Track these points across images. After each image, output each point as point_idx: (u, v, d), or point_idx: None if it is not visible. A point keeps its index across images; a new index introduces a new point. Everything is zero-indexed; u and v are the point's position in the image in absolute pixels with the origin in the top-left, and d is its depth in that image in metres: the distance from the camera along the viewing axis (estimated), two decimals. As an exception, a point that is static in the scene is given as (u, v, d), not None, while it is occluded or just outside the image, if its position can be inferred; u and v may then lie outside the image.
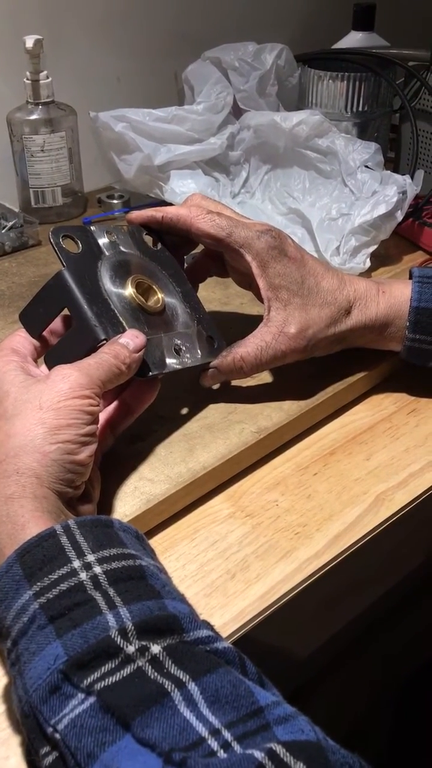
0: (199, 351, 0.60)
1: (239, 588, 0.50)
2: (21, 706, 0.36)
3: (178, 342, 0.58)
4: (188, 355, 0.59)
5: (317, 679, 0.65)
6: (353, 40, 1.04)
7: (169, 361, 0.57)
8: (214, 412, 0.62)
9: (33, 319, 0.54)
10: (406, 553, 0.61)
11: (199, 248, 0.66)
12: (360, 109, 0.94)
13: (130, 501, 0.53)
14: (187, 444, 0.58)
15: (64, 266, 0.53)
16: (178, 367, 0.57)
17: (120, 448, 0.57)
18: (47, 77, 0.90)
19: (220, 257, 0.64)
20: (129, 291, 0.56)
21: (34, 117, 0.91)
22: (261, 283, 0.60)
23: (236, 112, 0.94)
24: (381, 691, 0.80)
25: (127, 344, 0.51)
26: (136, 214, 0.62)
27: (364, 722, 0.78)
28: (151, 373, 0.54)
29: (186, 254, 0.67)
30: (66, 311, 0.54)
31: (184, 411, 0.62)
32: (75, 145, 0.95)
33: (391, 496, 0.57)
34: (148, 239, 0.63)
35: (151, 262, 0.61)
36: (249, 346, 0.60)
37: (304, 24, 1.20)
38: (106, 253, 0.57)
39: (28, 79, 0.90)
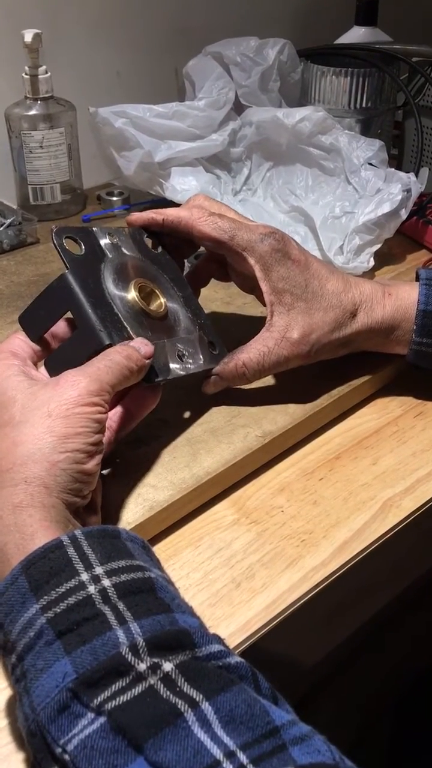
0: (201, 357, 0.59)
1: (245, 597, 0.49)
2: (27, 724, 0.35)
3: (181, 347, 0.58)
4: (191, 361, 0.58)
5: (321, 687, 0.65)
6: (356, 35, 1.03)
7: (172, 366, 0.56)
8: (217, 416, 0.61)
9: (33, 322, 0.53)
10: (413, 559, 0.61)
11: (201, 250, 0.65)
12: (363, 105, 0.93)
13: (134, 508, 0.52)
14: (191, 449, 0.57)
15: (67, 268, 0.52)
16: (182, 373, 0.57)
17: (123, 454, 0.56)
18: (46, 72, 0.89)
19: (223, 260, 0.63)
20: (132, 295, 0.55)
21: (32, 112, 0.90)
22: (264, 287, 0.60)
23: (238, 108, 0.93)
24: (383, 696, 0.79)
25: (138, 349, 0.50)
26: (137, 216, 0.61)
27: (367, 727, 0.78)
28: (156, 379, 0.53)
29: (187, 257, 0.66)
30: (68, 314, 0.52)
31: (188, 415, 0.61)
32: (74, 141, 0.93)
33: (398, 503, 0.56)
34: (149, 242, 0.62)
35: (153, 266, 0.60)
36: (251, 352, 0.59)
37: (307, 19, 1.19)
38: (109, 256, 0.56)
39: (26, 74, 0.89)
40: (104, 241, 0.57)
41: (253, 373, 0.60)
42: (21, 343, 0.52)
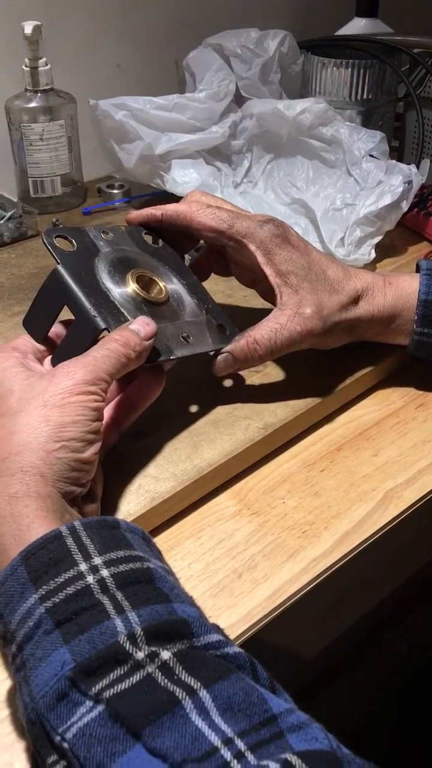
0: (209, 339, 0.59)
1: (246, 588, 0.49)
2: (27, 713, 0.35)
3: (186, 330, 0.57)
4: (196, 342, 0.57)
5: (322, 680, 0.65)
6: (357, 26, 1.02)
7: (176, 348, 0.55)
8: (219, 407, 0.61)
9: (35, 323, 0.53)
10: (414, 550, 0.61)
11: (201, 243, 0.64)
12: (364, 96, 0.92)
13: (135, 499, 0.52)
14: (192, 441, 0.57)
15: (58, 263, 0.52)
16: (188, 353, 0.56)
17: (124, 445, 0.56)
18: (46, 64, 0.88)
19: (222, 254, 0.63)
20: (131, 286, 0.55)
21: (32, 105, 0.89)
22: (268, 270, 0.59)
23: (238, 100, 0.92)
24: (385, 690, 0.79)
25: (138, 331, 0.50)
26: (135, 214, 0.61)
27: (367, 721, 0.78)
28: (159, 360, 0.53)
29: (187, 251, 0.65)
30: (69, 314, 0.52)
31: (189, 407, 0.61)
32: (74, 134, 0.93)
33: (399, 494, 0.56)
34: (148, 238, 0.62)
35: (152, 258, 0.60)
36: (262, 329, 0.59)
37: (307, 10, 1.18)
38: (103, 251, 0.56)
39: (26, 66, 0.88)
40: (98, 238, 0.57)
41: (265, 350, 0.58)
42: (24, 341, 0.52)
